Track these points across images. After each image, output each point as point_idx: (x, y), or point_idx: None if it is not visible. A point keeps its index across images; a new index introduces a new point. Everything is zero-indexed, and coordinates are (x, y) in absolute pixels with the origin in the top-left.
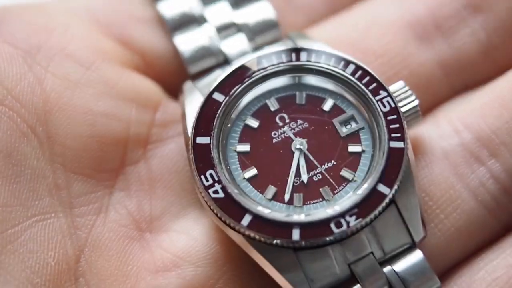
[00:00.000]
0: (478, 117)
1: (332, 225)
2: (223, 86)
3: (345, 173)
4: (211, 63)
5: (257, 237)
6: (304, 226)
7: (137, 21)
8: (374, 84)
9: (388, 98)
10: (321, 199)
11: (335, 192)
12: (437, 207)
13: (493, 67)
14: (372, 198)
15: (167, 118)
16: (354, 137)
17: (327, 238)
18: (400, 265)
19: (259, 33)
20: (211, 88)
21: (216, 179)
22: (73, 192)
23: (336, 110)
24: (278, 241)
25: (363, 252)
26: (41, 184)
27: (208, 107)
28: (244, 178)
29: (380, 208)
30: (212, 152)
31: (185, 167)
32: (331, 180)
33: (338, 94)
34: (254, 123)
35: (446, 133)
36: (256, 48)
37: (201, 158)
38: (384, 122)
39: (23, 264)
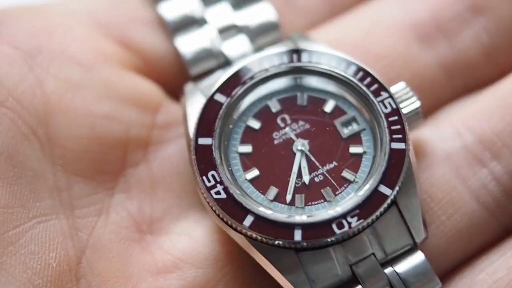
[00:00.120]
0: (480, 120)
1: (334, 226)
2: (225, 87)
3: (346, 174)
4: (212, 64)
5: (259, 237)
6: (306, 227)
7: (138, 22)
8: (376, 85)
9: (390, 99)
10: (322, 200)
11: (336, 193)
12: (439, 208)
13: (496, 70)
14: (373, 199)
15: (167, 120)
16: (355, 138)
17: (329, 239)
18: (402, 267)
19: (260, 34)
20: (213, 89)
21: (218, 180)
22: (74, 193)
23: (337, 111)
24: (280, 242)
25: (364, 253)
26: (42, 186)
27: (210, 108)
28: (246, 179)
29: (381, 209)
30: (214, 153)
31: (185, 169)
32: (332, 181)
33: (339, 95)
34: (255, 124)
35: (448, 135)
36: (257, 50)
37: (203, 159)
38: (385, 123)
39: (25, 265)
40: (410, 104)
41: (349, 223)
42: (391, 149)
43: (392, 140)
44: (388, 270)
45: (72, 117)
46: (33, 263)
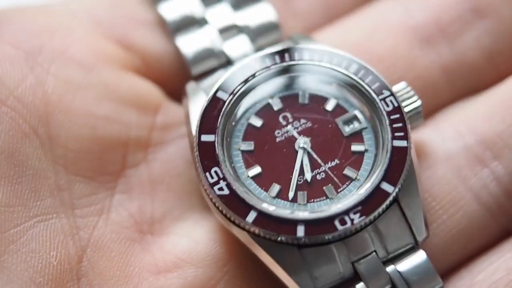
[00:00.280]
0: (482, 120)
1: (337, 222)
2: (227, 85)
3: (348, 171)
4: (214, 64)
5: (261, 233)
6: (308, 223)
7: (138, 23)
8: (377, 84)
9: (391, 97)
10: (324, 197)
11: (338, 190)
12: (440, 207)
13: (497, 73)
14: (376, 196)
15: (168, 120)
16: (357, 136)
17: (331, 236)
18: (404, 265)
19: (261, 34)
20: (216, 87)
21: (221, 176)
22: (74, 193)
23: (339, 109)
24: (283, 238)
25: (366, 250)
26: (43, 185)
27: (213, 105)
28: (248, 176)
29: (384, 206)
30: (217, 150)
31: (186, 170)
32: (334, 179)
33: (340, 93)
34: (257, 122)
35: (449, 136)
36: (258, 50)
37: (206, 156)
38: (387, 121)
39: (26, 263)
40: (411, 103)
41: (352, 220)
42: (393, 147)
43: (394, 137)
44: (389, 268)
45: (72, 118)
46: (34, 261)
